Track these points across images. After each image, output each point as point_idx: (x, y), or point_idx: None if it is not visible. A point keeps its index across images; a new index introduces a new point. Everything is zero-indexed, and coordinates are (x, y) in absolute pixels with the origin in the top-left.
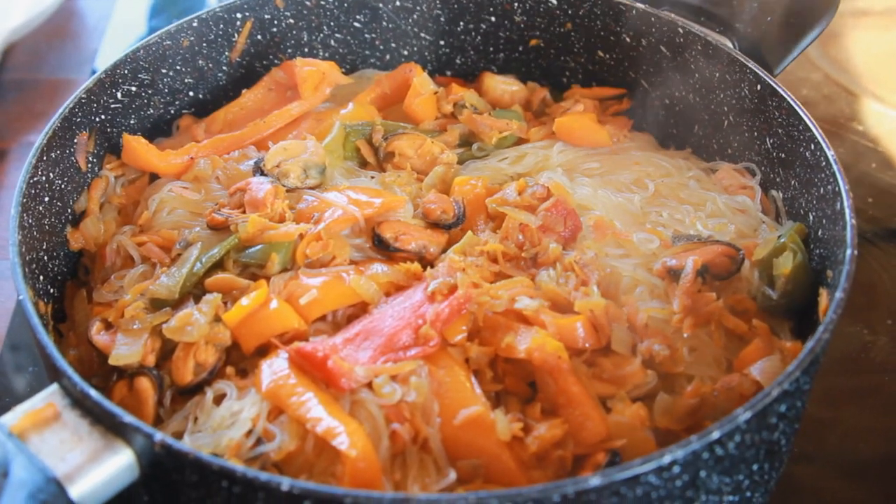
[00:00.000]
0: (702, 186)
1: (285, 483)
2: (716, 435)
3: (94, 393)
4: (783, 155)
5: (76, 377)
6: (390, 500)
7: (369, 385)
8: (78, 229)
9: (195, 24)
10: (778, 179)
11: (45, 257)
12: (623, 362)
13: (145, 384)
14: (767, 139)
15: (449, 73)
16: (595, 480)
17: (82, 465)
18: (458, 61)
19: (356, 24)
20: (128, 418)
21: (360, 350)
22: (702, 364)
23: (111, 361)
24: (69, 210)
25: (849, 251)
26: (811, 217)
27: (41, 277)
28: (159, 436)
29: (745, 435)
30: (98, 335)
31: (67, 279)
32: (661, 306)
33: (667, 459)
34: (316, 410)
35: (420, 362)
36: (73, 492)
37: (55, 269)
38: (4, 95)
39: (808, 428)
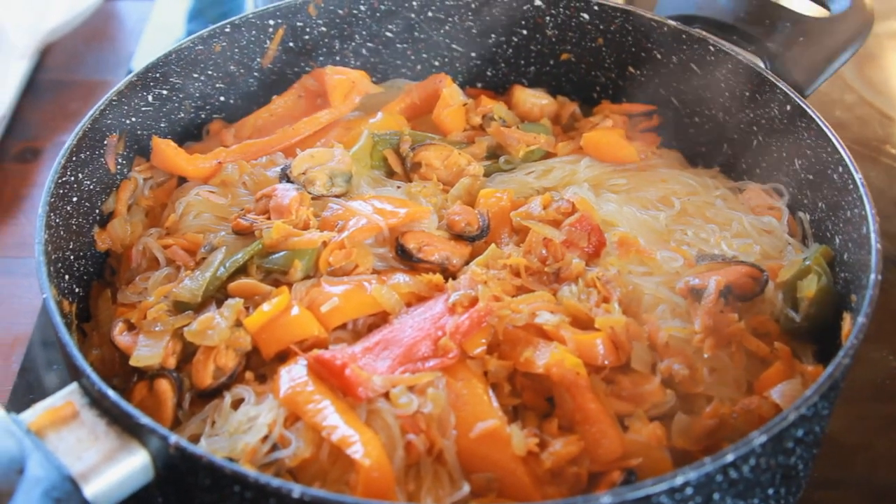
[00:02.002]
0: (728, 206)
1: (296, 490)
2: (730, 458)
3: (111, 393)
4: (811, 176)
5: (95, 377)
6: None
7: (386, 395)
8: (105, 230)
9: (227, 30)
10: (805, 201)
11: (72, 257)
12: (642, 381)
13: (165, 386)
14: (796, 160)
15: (479, 84)
16: (606, 499)
17: (98, 465)
18: (488, 73)
19: (388, 34)
20: (144, 419)
21: (379, 360)
22: (722, 385)
23: (132, 362)
24: (97, 211)
25: (872, 276)
26: (837, 240)
27: (66, 277)
28: (174, 438)
29: (760, 458)
30: (120, 336)
31: (93, 279)
32: (682, 325)
33: (679, 481)
34: (332, 418)
35: (438, 374)
36: (88, 491)
37: (81, 268)
38: (40, 95)
39: (834, 454)
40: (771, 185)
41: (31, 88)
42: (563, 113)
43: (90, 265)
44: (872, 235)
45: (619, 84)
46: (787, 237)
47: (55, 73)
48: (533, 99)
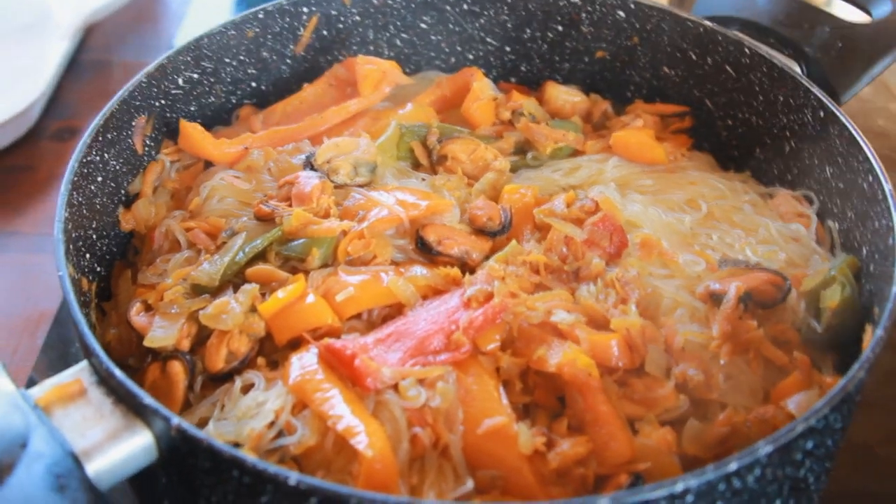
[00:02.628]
0: (756, 212)
1: (293, 478)
2: (733, 466)
3: (118, 373)
4: (842, 185)
5: (104, 355)
6: (395, 503)
7: (396, 387)
8: (130, 211)
9: (261, 16)
10: (835, 210)
11: (94, 236)
12: (655, 384)
13: (177, 368)
14: (827, 167)
15: (513, 80)
16: (604, 502)
17: (101, 443)
18: (523, 69)
19: (422, 26)
20: (148, 400)
21: (391, 351)
22: (737, 392)
23: (146, 343)
24: (122, 191)
25: (895, 288)
26: (864, 251)
27: (87, 255)
28: (176, 420)
29: (766, 469)
30: (136, 316)
31: (116, 259)
32: (700, 330)
33: (679, 487)
34: (339, 408)
35: (449, 368)
36: (90, 468)
37: (104, 248)
38: (81, 75)
39: (872, 466)
40: (801, 192)
41: (73, 68)
42: (595, 111)
43: (113, 245)
44: None
45: (653, 84)
46: (814, 246)
47: (97, 53)
48: (565, 96)
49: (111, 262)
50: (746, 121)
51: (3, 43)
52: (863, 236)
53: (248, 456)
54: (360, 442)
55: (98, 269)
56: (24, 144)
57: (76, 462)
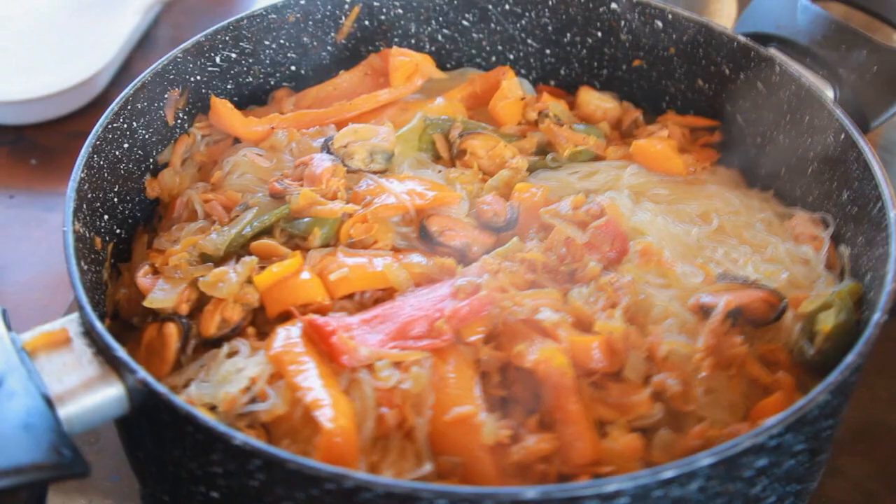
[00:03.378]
0: (769, 230)
1: (238, 438)
2: (669, 474)
3: (99, 325)
4: (856, 210)
5: (88, 308)
6: (328, 473)
7: (372, 367)
8: (156, 179)
9: (302, 2)
10: (848, 235)
11: (115, 199)
12: (632, 390)
13: (171, 329)
14: (844, 192)
15: (552, 82)
16: (531, 493)
17: (75, 390)
18: (562, 72)
19: (464, 23)
20: (120, 353)
21: (373, 332)
22: (716, 407)
23: (145, 303)
24: (151, 160)
25: (877, 315)
26: (868, 278)
27: (106, 217)
28: (141, 374)
29: (710, 481)
30: (143, 277)
31: (140, 224)
32: (686, 342)
33: (610, 488)
34: (311, 381)
35: (426, 354)
36: (62, 412)
37: (126, 212)
38: (152, 50)
39: None
40: (819, 215)
41: (145, 43)
42: (626, 119)
43: (137, 210)
44: (889, 274)
45: (687, 96)
46: (821, 270)
47: (170, 30)
48: (597, 101)
49: (133, 227)
50: (774, 139)
51: (78, 14)
52: (868, 263)
53: (199, 413)
54: (323, 415)
55: (118, 230)
56: (88, 112)
57: (49, 404)
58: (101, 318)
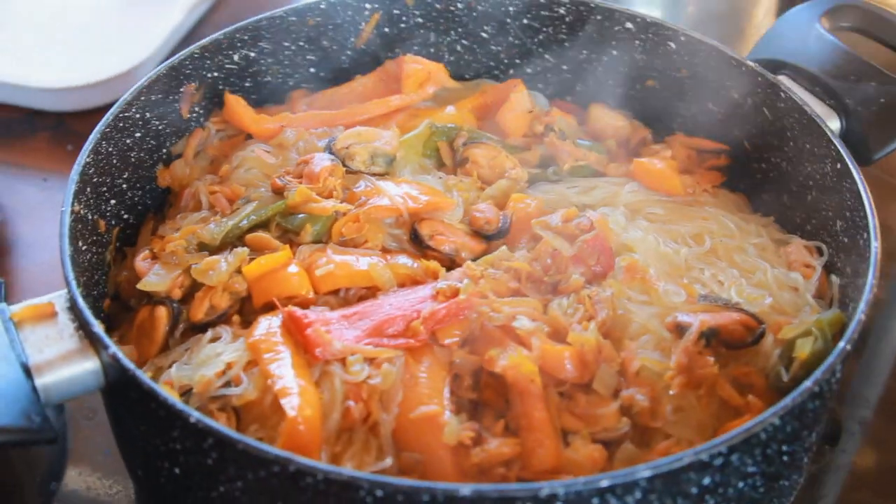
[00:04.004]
0: (762, 255)
1: (194, 416)
2: (605, 483)
3: (80, 301)
4: (846, 240)
5: (74, 285)
6: (273, 455)
7: (344, 361)
8: (168, 169)
9: (323, 6)
10: (839, 264)
11: (124, 185)
12: (600, 402)
13: (162, 312)
14: (838, 221)
15: (568, 98)
16: (466, 490)
17: (53, 362)
18: (577, 88)
19: (483, 35)
20: (96, 329)
21: (350, 328)
22: (683, 426)
23: (139, 286)
24: (164, 150)
25: (840, 344)
26: (850, 307)
27: (113, 202)
28: (112, 349)
29: (648, 494)
30: (142, 261)
31: (150, 211)
32: (659, 359)
33: (544, 492)
34: (282, 370)
35: (399, 353)
36: (39, 381)
37: (135, 198)
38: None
39: None
40: (814, 243)
41: (189, 40)
42: (634, 137)
43: (148, 197)
44: (861, 305)
45: (697, 119)
46: (808, 298)
47: (215, 29)
48: (607, 118)
49: (143, 213)
50: (777, 165)
51: (127, 7)
52: (853, 293)
53: (161, 390)
54: (289, 402)
55: (126, 216)
56: None
57: (27, 373)
58: (102, 297)
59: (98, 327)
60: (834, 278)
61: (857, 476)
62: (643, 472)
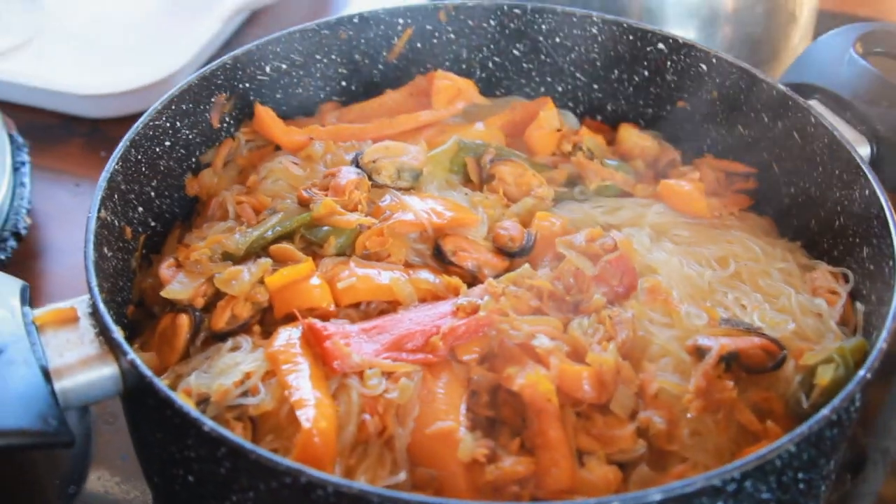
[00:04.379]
0: (787, 281)
1: (208, 425)
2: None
3: (101, 307)
4: (872, 267)
5: (97, 291)
6: (286, 467)
7: (363, 374)
8: (197, 178)
9: (356, 21)
10: (864, 291)
11: (152, 193)
12: (617, 424)
13: (183, 320)
14: (864, 248)
15: (599, 117)
16: None
17: (73, 366)
18: (609, 108)
19: (515, 52)
20: (115, 335)
21: (370, 342)
22: (700, 450)
23: (162, 293)
24: (193, 159)
25: (861, 372)
26: (874, 335)
27: (140, 209)
28: (131, 355)
29: None
30: (166, 269)
31: (178, 219)
32: (678, 382)
33: None
34: (300, 381)
35: (417, 368)
36: (57, 385)
37: (163, 206)
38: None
39: None
40: (840, 270)
41: (227, 50)
42: (663, 158)
43: (176, 206)
44: (884, 333)
45: (727, 141)
46: (832, 324)
47: (252, 40)
48: (636, 139)
49: (171, 221)
50: (806, 190)
51: (164, 15)
52: (877, 321)
53: (176, 398)
54: (304, 414)
55: (153, 223)
56: None
57: (46, 376)
58: (126, 303)
59: (118, 333)
60: (859, 305)
61: None
62: (654, 495)
